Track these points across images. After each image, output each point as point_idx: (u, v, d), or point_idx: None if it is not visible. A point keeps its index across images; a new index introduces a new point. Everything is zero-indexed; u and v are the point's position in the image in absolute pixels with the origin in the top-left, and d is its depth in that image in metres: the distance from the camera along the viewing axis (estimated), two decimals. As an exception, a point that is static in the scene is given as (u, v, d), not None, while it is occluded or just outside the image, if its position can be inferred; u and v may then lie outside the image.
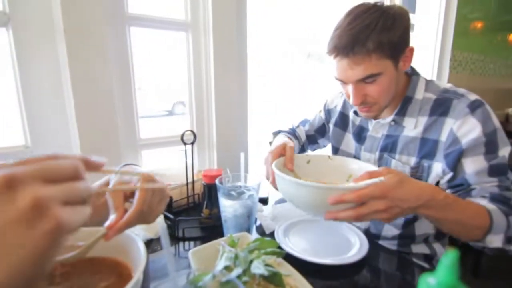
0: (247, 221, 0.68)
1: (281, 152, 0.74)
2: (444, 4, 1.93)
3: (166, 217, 0.77)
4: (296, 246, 0.68)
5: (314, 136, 1.02)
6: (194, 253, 0.57)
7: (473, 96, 0.68)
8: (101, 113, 0.87)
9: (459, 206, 0.58)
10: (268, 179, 0.72)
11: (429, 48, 1.91)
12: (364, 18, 0.64)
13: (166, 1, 1.06)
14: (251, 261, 0.51)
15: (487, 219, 0.58)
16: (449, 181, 0.68)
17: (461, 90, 0.71)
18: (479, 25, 2.40)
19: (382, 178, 0.53)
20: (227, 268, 0.51)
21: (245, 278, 0.47)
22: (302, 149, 1.03)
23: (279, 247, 0.65)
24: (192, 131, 0.83)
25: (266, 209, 0.87)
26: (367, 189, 0.52)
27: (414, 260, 0.84)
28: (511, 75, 3.23)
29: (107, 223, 0.44)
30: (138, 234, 0.71)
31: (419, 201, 0.53)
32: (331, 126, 0.97)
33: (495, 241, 0.59)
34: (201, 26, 1.05)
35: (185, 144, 0.81)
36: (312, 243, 0.70)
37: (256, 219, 0.81)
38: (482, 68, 2.60)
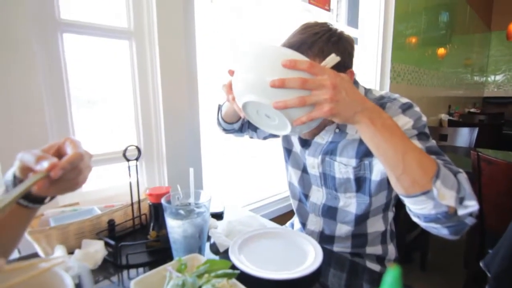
0: (198, 241, 0.63)
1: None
2: (382, 20, 2.11)
3: (106, 244, 0.69)
4: (252, 262, 0.65)
5: (254, 126, 0.99)
6: (137, 283, 0.51)
7: (404, 100, 0.73)
8: (29, 127, 0.77)
9: (404, 134, 0.56)
10: (229, 101, 0.66)
11: (372, 60, 2.06)
12: (314, 28, 0.69)
13: (106, 7, 0.98)
14: (200, 287, 0.46)
15: (433, 163, 0.54)
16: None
17: (395, 95, 0.76)
18: (413, 40, 2.67)
19: (339, 57, 0.58)
20: (174, 298, 0.46)
21: (192, 308, 0.43)
22: (243, 128, 1.01)
23: (233, 266, 0.62)
24: (136, 146, 0.76)
25: (221, 225, 0.83)
26: (321, 64, 0.54)
27: (367, 262, 0.86)
28: (442, 85, 3.64)
29: (44, 166, 0.42)
30: (74, 265, 0.62)
31: (365, 104, 0.54)
32: None
33: (447, 196, 0.52)
34: (145, 35, 0.99)
35: (128, 160, 0.74)
36: (269, 258, 0.68)
37: (209, 237, 0.77)
38: (417, 79, 2.88)
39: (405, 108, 0.70)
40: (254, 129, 1.03)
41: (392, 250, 0.89)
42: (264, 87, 0.52)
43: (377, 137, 0.54)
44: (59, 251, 0.65)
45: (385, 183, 0.78)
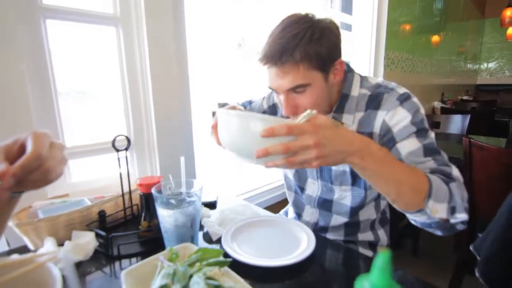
0: (190, 231, 0.63)
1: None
2: (376, 7, 2.08)
3: (97, 235, 0.68)
4: (245, 250, 0.65)
5: None
6: (128, 273, 0.50)
7: (402, 90, 0.72)
8: (12, 117, 0.74)
9: (395, 161, 0.58)
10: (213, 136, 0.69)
11: (366, 47, 2.04)
12: (294, 28, 0.65)
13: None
14: (191, 276, 0.46)
15: (425, 182, 0.57)
16: None
17: (392, 84, 0.75)
18: (407, 27, 2.65)
19: (314, 111, 0.53)
20: (165, 287, 0.46)
21: (183, 297, 0.42)
22: None
23: (225, 255, 0.61)
24: (126, 136, 0.74)
25: (214, 214, 0.82)
26: (299, 123, 0.51)
27: (360, 248, 0.87)
28: (436, 73, 3.64)
29: None
30: (65, 256, 0.61)
31: (352, 147, 0.53)
32: None
33: (439, 210, 0.57)
34: (133, 21, 0.96)
35: (117, 150, 0.73)
36: (262, 246, 0.68)
37: (203, 226, 0.77)
38: (411, 66, 2.88)
39: (403, 100, 0.69)
40: None
41: (383, 236, 0.89)
42: (248, 152, 0.55)
43: (368, 172, 0.55)
44: (49, 244, 0.64)
45: None
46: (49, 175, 0.44)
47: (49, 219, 0.67)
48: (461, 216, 0.58)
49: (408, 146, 0.66)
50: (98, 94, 1.05)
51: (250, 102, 1.03)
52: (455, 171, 0.63)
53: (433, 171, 0.62)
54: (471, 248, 1.04)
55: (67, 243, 0.64)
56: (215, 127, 0.65)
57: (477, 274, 0.97)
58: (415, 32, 2.83)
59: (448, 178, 0.61)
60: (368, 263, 0.65)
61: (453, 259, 1.41)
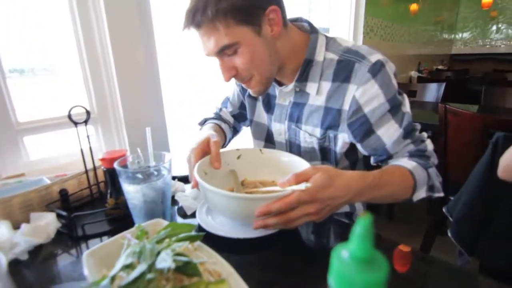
0: (160, 206, 0.59)
1: (205, 149, 0.66)
2: (356, -29, 1.99)
3: (58, 215, 0.62)
4: (221, 223, 0.62)
5: (240, 113, 0.94)
6: (90, 254, 0.46)
7: (374, 57, 0.65)
8: None
9: (387, 181, 0.59)
10: (191, 181, 0.63)
11: (346, 12, 1.97)
12: None
13: None
14: (159, 253, 0.42)
15: (411, 180, 0.61)
16: (371, 154, 0.70)
17: (363, 49, 0.67)
18: (386, -7, 2.58)
19: (308, 184, 0.49)
20: (130, 266, 0.42)
21: (149, 276, 0.39)
22: (235, 131, 0.97)
23: (200, 229, 0.58)
24: (83, 107, 0.67)
25: (189, 188, 0.78)
26: (294, 194, 0.49)
27: (335, 217, 0.87)
28: (414, 42, 3.64)
29: None
30: (20, 241, 0.55)
31: (350, 194, 0.53)
32: (246, 98, 0.89)
33: (420, 194, 0.64)
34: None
35: (75, 124, 0.65)
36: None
37: (177, 201, 0.73)
38: (390, 34, 2.85)
39: (375, 72, 0.63)
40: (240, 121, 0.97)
41: (359, 205, 0.89)
42: (239, 220, 0.57)
43: (369, 200, 0.60)
44: (2, 227, 0.58)
45: (350, 154, 0.76)
46: None
47: (1, 200, 0.61)
48: (439, 195, 0.66)
49: (390, 133, 0.65)
50: (53, 69, 0.94)
51: (226, 102, 0.96)
52: (430, 146, 0.68)
53: (411, 154, 0.66)
54: (444, 210, 1.08)
55: (23, 225, 0.58)
56: (196, 185, 0.60)
57: (449, 234, 1.02)
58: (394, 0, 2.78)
59: (426, 159, 0.66)
60: (343, 228, 0.64)
61: (427, 222, 1.48)
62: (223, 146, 0.92)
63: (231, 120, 0.95)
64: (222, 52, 0.61)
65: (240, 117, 0.95)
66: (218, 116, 0.94)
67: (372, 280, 0.19)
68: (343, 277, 0.19)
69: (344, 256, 0.20)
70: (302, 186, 0.49)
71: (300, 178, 0.51)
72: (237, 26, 0.58)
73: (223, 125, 0.89)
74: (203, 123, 0.91)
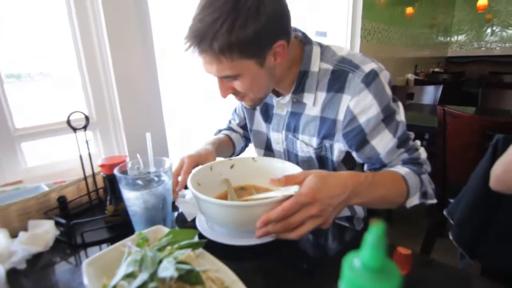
0: (161, 213, 0.58)
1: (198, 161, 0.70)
2: (353, -25, 2.00)
3: (57, 223, 0.61)
4: (222, 230, 0.61)
5: (246, 124, 0.95)
6: (90, 263, 0.45)
7: (368, 67, 0.64)
8: None
9: (379, 181, 0.59)
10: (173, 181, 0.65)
11: (343, 16, 1.98)
12: (215, 8, 0.53)
13: None
14: (160, 261, 0.42)
15: (403, 185, 0.62)
16: (365, 162, 0.71)
17: (357, 59, 0.67)
18: (383, -3, 2.60)
19: (296, 189, 0.50)
20: (132, 275, 0.41)
21: (151, 285, 0.38)
22: (247, 139, 0.98)
23: (200, 236, 0.57)
24: (83, 113, 0.66)
25: (189, 193, 0.77)
26: (292, 198, 0.49)
27: (336, 221, 0.86)
28: (411, 45, 3.67)
29: None
30: (18, 249, 0.54)
31: (347, 191, 0.52)
32: (244, 108, 0.91)
33: (413, 201, 0.64)
34: (84, -19, 0.83)
35: (74, 129, 0.65)
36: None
37: (177, 207, 0.72)
38: (387, 38, 2.87)
39: (369, 82, 0.63)
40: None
41: (359, 209, 0.88)
42: (240, 231, 0.56)
43: (363, 204, 0.61)
44: (0, 236, 0.57)
45: (348, 161, 0.76)
46: None
47: (-2, 208, 0.60)
48: (432, 202, 0.67)
49: (384, 143, 0.66)
50: (53, 73, 0.93)
51: (234, 111, 0.98)
52: (423, 154, 0.68)
53: (404, 162, 0.67)
54: (444, 212, 1.08)
55: (21, 234, 0.57)
56: (176, 176, 0.62)
57: (450, 237, 1.01)
58: (390, 3, 2.80)
59: (419, 166, 0.67)
60: (343, 232, 0.64)
61: (426, 224, 1.48)
62: (232, 155, 0.95)
63: (241, 131, 0.97)
64: (223, 77, 0.62)
65: (247, 127, 0.96)
66: (229, 127, 0.98)
67: (385, 290, 0.18)
68: (355, 286, 0.19)
69: (356, 265, 0.19)
70: (292, 190, 0.50)
71: (290, 179, 0.52)
72: (241, 60, 0.57)
73: (233, 135, 0.93)
74: (217, 133, 0.95)
